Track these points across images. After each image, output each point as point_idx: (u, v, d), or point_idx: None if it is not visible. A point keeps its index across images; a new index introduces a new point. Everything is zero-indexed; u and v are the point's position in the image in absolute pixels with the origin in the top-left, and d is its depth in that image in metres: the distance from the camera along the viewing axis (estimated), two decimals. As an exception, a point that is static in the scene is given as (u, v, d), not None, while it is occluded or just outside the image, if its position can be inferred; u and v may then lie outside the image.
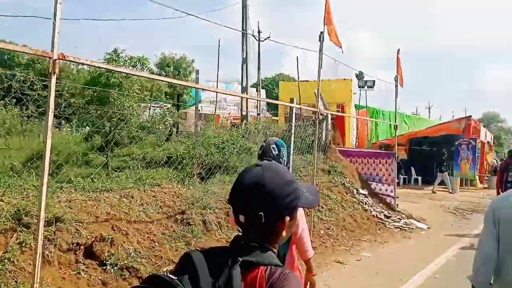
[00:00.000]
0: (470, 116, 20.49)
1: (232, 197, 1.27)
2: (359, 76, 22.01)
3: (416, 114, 49.71)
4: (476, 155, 20.97)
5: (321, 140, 12.45)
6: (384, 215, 10.39)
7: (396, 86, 11.40)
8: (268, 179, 1.23)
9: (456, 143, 20.33)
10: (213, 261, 1.16)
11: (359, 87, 22.10)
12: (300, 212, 2.99)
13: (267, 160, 2.94)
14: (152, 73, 31.75)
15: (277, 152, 3.16)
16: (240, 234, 1.29)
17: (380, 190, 11.86)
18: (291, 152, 10.02)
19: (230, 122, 34.29)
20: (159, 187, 6.49)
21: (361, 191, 11.11)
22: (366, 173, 12.25)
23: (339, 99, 26.25)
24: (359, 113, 30.77)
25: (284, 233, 1.27)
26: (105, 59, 10.70)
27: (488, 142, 27.30)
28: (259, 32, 24.74)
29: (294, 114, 10.07)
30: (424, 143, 22.90)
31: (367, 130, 26.98)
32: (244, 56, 13.45)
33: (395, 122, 12.00)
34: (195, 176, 7.19)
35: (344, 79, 25.28)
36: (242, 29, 12.90)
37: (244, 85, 13.87)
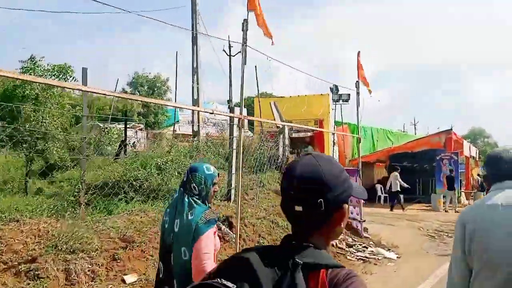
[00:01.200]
0: (451, 129, 18.92)
1: (287, 187, 1.15)
2: (334, 90, 20.45)
3: (403, 131, 48.21)
4: (460, 170, 19.36)
5: (278, 156, 10.79)
6: (346, 244, 8.63)
7: (357, 93, 9.81)
8: (324, 166, 1.15)
9: (438, 158, 18.72)
10: (271, 264, 1.06)
11: (334, 101, 20.50)
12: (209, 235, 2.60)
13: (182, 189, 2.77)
14: (125, 92, 30.14)
15: (185, 178, 2.76)
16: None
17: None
18: (233, 171, 8.35)
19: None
20: (17, 222, 4.74)
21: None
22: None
23: (317, 115, 24.76)
24: (340, 129, 29.26)
25: (342, 224, 1.19)
26: (21, 69, 9.02)
27: (473, 157, 25.78)
28: (229, 46, 23.35)
29: (235, 126, 8.44)
30: (405, 159, 21.26)
31: (343, 146, 25.35)
32: (195, 66, 11.81)
33: (358, 135, 10.33)
34: (82, 205, 5.43)
35: (321, 94, 23.70)
36: (192, 34, 11.30)
37: (195, 97, 12.19)
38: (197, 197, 2.68)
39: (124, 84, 30.50)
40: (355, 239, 9.08)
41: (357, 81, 9.76)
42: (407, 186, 17.64)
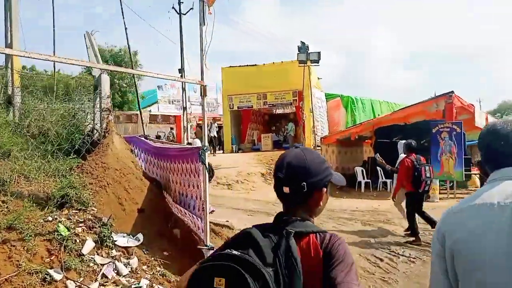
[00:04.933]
0: (452, 92, 13.36)
1: (278, 172, 1.34)
2: (302, 48, 15.22)
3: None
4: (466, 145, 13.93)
5: (88, 128, 5.97)
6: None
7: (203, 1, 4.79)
8: (309, 156, 1.36)
9: (434, 130, 13.26)
10: (269, 235, 1.23)
11: (300, 62, 15.29)
12: None
13: None
14: (88, 69, 25.87)
15: None
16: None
17: (195, 226, 5.22)
18: None
19: (196, 124, 28.13)
20: None
21: (120, 239, 4.54)
22: (182, 191, 5.63)
23: (295, 85, 19.46)
24: (331, 103, 23.87)
25: (321, 204, 1.39)
26: None
27: (492, 129, 19.88)
28: (179, 2, 18.52)
29: None
30: (395, 133, 15.86)
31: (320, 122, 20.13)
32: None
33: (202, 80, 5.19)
34: None
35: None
36: None
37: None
38: None
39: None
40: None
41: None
42: None
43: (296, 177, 1.31)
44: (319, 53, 14.98)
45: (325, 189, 1.37)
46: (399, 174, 7.37)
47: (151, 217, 5.01)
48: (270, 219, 1.39)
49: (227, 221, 8.07)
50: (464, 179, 13.42)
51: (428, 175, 6.90)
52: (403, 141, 8.38)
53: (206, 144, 4.78)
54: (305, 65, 15.28)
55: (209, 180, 10.17)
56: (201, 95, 4.77)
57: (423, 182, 6.84)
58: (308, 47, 15.39)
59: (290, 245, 1.20)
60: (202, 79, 4.72)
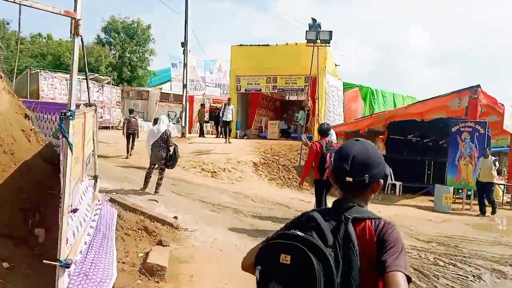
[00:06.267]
0: (478, 86, 11.27)
1: (343, 163, 1.40)
2: (313, 26, 13.40)
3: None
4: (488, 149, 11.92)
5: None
6: None
7: None
8: (371, 151, 1.43)
9: (453, 130, 11.28)
10: (329, 219, 1.33)
11: (308, 41, 13.50)
12: None
13: None
14: (100, 40, 24.61)
15: None
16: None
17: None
18: None
19: (210, 107, 26.66)
20: None
21: None
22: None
23: (309, 70, 17.57)
24: (349, 94, 21.89)
25: (376, 193, 1.47)
26: None
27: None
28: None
29: None
30: (411, 130, 13.91)
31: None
32: None
33: None
34: None
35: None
36: None
37: None
38: None
39: (98, 30, 25.00)
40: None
41: None
42: None
43: (360, 170, 1.38)
44: (330, 32, 13.13)
45: (381, 181, 1.44)
46: (307, 158, 6.83)
47: (3, 208, 3.55)
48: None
49: (175, 217, 6.58)
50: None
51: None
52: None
53: (73, 108, 3.21)
54: (314, 44, 13.44)
55: (171, 166, 8.76)
56: (71, 32, 3.21)
57: (326, 170, 6.11)
58: (319, 25, 13.54)
59: (348, 229, 1.31)
60: (75, 9, 3.16)
